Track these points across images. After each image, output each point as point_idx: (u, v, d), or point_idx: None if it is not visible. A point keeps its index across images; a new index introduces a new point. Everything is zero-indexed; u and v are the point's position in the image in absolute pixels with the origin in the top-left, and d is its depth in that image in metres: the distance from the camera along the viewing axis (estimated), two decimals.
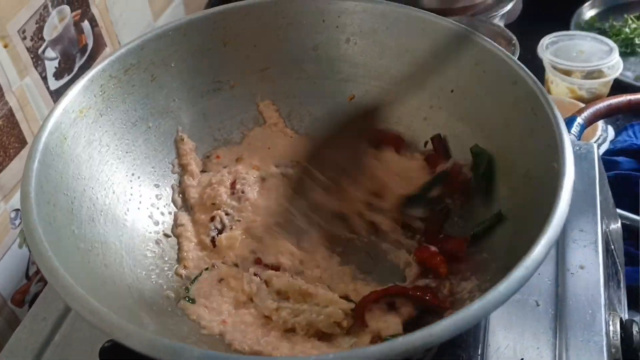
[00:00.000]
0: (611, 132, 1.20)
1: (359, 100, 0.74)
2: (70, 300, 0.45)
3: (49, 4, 0.82)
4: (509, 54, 0.62)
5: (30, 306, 0.66)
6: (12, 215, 0.79)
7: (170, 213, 0.68)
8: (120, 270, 0.58)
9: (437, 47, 0.67)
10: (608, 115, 0.98)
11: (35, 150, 0.55)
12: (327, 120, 0.67)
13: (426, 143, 0.71)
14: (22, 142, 0.79)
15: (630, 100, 0.97)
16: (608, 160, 1.09)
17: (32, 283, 0.85)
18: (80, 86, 0.62)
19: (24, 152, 0.80)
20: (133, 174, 0.66)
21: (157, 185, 0.69)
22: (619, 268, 0.78)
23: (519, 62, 0.60)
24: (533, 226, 0.50)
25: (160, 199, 0.68)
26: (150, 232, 0.66)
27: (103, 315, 0.43)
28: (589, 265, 0.64)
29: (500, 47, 0.63)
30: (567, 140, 0.53)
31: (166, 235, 0.66)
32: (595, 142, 1.14)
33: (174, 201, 0.69)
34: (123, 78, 0.66)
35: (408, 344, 0.41)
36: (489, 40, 0.64)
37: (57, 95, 0.85)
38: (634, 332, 0.62)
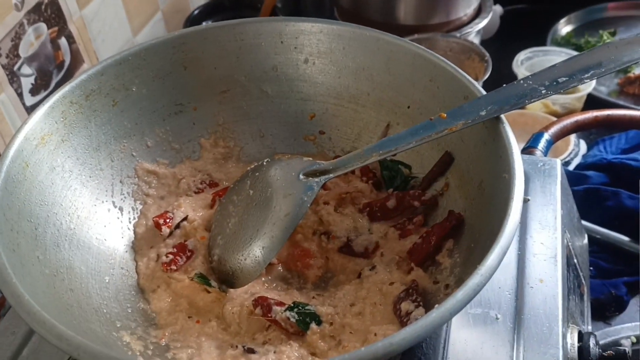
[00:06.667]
0: (583, 146, 1.24)
1: (319, 118, 0.76)
2: (37, 326, 0.45)
3: (25, 22, 0.83)
4: (460, 70, 0.64)
5: None
6: None
7: (134, 235, 0.69)
8: (87, 294, 0.59)
9: (392, 65, 0.70)
10: (575, 130, 1.01)
11: None
12: None
13: None
14: None
15: (596, 116, 1.00)
16: (578, 174, 1.12)
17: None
18: (41, 113, 0.62)
19: None
20: (97, 198, 0.67)
21: (121, 209, 0.69)
22: (583, 281, 0.80)
23: (469, 78, 0.63)
24: (488, 235, 0.52)
25: (125, 222, 0.69)
26: (116, 256, 0.66)
27: (69, 339, 0.43)
28: (548, 279, 0.65)
29: (452, 64, 0.65)
30: (517, 151, 0.55)
31: (131, 257, 0.67)
32: (567, 156, 1.18)
33: (137, 225, 0.70)
34: (84, 104, 0.66)
35: (369, 354, 0.42)
36: (442, 57, 0.66)
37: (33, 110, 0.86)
38: (591, 345, 0.64)
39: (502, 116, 0.59)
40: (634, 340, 0.91)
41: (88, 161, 0.67)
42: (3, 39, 0.81)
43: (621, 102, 1.36)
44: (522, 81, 0.61)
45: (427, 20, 1.27)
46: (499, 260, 0.48)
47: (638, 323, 0.95)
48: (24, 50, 0.86)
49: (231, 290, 0.62)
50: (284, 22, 0.73)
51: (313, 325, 0.57)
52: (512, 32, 1.49)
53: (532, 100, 0.60)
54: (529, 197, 0.73)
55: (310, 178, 0.65)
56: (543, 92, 0.60)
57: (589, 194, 1.07)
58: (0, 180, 0.55)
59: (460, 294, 0.45)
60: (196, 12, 1.33)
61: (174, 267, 0.64)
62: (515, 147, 0.55)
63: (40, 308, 0.46)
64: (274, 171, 0.66)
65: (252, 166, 0.70)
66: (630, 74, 1.42)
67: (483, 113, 0.59)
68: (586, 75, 0.60)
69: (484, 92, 0.61)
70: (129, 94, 0.70)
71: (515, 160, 0.54)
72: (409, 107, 0.70)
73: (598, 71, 0.60)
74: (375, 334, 0.55)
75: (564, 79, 0.60)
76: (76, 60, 0.97)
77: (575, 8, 1.61)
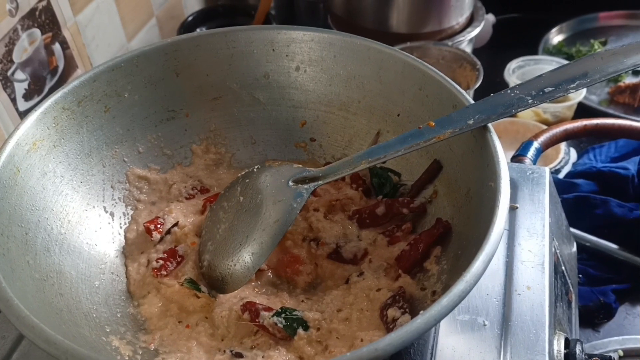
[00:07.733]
0: (574, 154, 1.25)
1: (310, 125, 0.77)
2: (25, 329, 0.45)
3: (19, 28, 0.84)
4: (449, 79, 0.65)
5: None
6: None
7: (125, 240, 0.69)
8: (76, 298, 0.59)
9: (383, 73, 0.71)
10: (565, 139, 1.03)
11: None
12: None
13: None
14: None
15: (585, 125, 1.01)
16: (568, 182, 1.14)
17: None
18: (33, 119, 0.63)
19: None
20: (88, 204, 0.67)
21: (112, 214, 0.70)
22: (571, 288, 0.80)
23: (458, 87, 0.64)
24: (475, 242, 0.53)
25: (115, 227, 0.69)
26: (106, 261, 0.66)
27: (58, 343, 0.44)
28: (535, 285, 0.66)
29: (441, 73, 0.66)
30: (503, 160, 0.56)
31: (121, 262, 0.67)
32: (557, 164, 1.19)
33: (127, 230, 0.70)
34: (76, 110, 0.67)
35: (355, 359, 0.43)
36: (431, 66, 0.67)
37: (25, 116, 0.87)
38: (577, 351, 0.65)
39: (490, 125, 0.59)
40: (621, 354, 0.91)
41: (79, 166, 0.67)
42: None
43: (611, 111, 1.37)
44: (509, 91, 0.62)
45: (420, 29, 1.28)
46: (484, 267, 0.48)
47: (626, 337, 0.95)
48: (18, 56, 0.86)
49: (220, 294, 0.62)
50: (275, 30, 0.74)
51: (300, 331, 0.57)
52: (504, 41, 1.51)
53: (519, 110, 0.61)
54: (518, 205, 0.74)
55: (300, 185, 0.65)
56: (530, 101, 0.60)
57: (579, 202, 1.08)
58: None
59: (446, 300, 0.46)
60: (190, 18, 1.34)
61: (164, 273, 0.65)
62: (502, 156, 0.56)
63: (29, 312, 0.46)
64: (264, 178, 0.67)
65: (243, 173, 0.70)
66: (621, 83, 1.44)
67: (471, 122, 0.60)
68: (572, 86, 0.61)
69: (472, 101, 0.62)
70: (121, 100, 0.70)
71: (501, 169, 0.54)
72: (398, 115, 0.71)
73: (584, 81, 0.60)
74: (362, 340, 0.56)
75: (551, 88, 0.61)
76: (70, 65, 0.98)
77: (567, 17, 1.63)
